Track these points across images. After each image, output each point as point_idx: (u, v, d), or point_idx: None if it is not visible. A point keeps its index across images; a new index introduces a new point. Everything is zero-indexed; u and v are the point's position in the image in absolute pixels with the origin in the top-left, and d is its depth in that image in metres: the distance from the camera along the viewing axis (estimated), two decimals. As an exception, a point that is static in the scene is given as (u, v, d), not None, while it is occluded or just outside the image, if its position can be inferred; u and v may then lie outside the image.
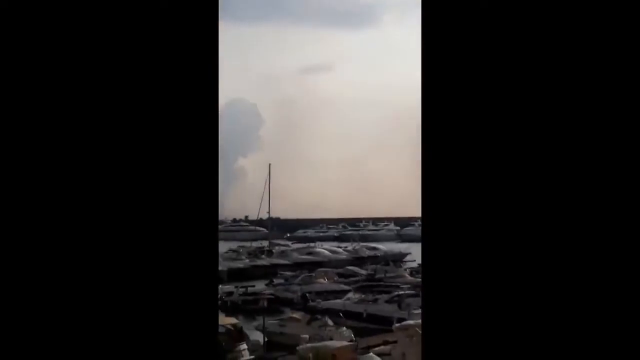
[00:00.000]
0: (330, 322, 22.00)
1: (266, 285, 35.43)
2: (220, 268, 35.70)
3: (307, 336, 19.54)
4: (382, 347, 17.65)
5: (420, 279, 34.57)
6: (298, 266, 45.23)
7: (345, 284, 34.57)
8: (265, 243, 55.35)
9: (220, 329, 16.83)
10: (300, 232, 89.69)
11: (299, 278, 35.93)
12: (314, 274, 36.81)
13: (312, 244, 58.59)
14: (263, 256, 49.20)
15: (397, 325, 18.86)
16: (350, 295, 30.43)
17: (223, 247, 52.37)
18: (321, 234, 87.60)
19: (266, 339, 20.99)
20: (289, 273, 40.55)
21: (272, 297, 29.32)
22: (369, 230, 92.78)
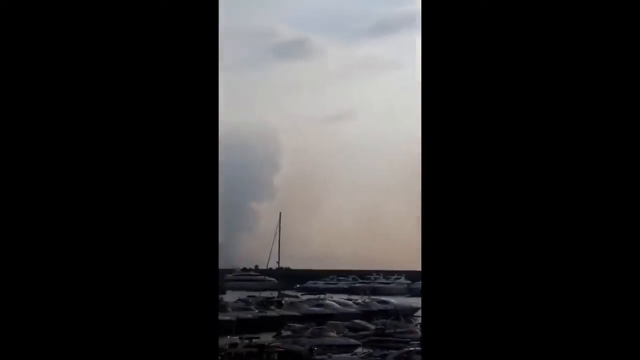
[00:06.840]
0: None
1: (274, 337, 34.88)
2: (229, 318, 35.37)
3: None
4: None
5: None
6: (307, 318, 44.63)
7: (355, 338, 34.04)
8: (274, 293, 54.77)
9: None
10: (310, 283, 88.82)
11: (309, 330, 35.45)
12: (323, 327, 36.32)
13: (322, 296, 57.83)
14: (272, 307, 48.57)
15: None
16: (359, 350, 29.93)
17: (232, 297, 52.14)
18: (331, 286, 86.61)
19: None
20: (298, 325, 40.01)
21: (282, 350, 28.81)
22: (380, 283, 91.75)
